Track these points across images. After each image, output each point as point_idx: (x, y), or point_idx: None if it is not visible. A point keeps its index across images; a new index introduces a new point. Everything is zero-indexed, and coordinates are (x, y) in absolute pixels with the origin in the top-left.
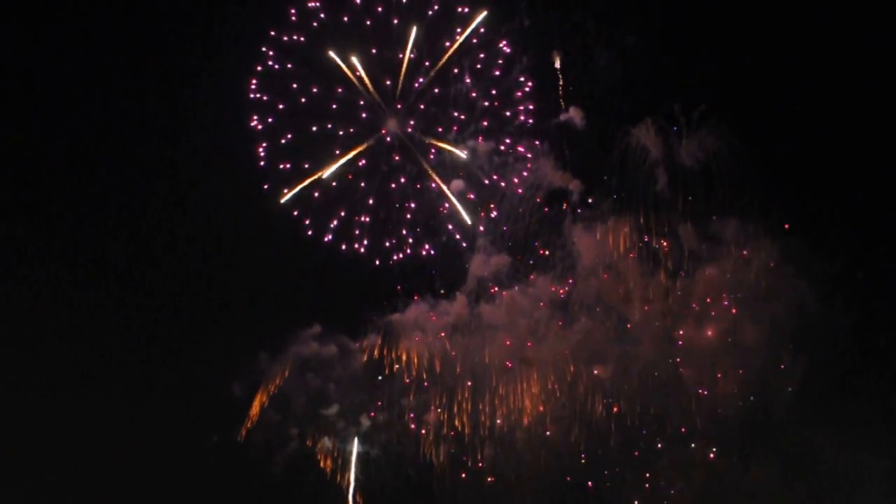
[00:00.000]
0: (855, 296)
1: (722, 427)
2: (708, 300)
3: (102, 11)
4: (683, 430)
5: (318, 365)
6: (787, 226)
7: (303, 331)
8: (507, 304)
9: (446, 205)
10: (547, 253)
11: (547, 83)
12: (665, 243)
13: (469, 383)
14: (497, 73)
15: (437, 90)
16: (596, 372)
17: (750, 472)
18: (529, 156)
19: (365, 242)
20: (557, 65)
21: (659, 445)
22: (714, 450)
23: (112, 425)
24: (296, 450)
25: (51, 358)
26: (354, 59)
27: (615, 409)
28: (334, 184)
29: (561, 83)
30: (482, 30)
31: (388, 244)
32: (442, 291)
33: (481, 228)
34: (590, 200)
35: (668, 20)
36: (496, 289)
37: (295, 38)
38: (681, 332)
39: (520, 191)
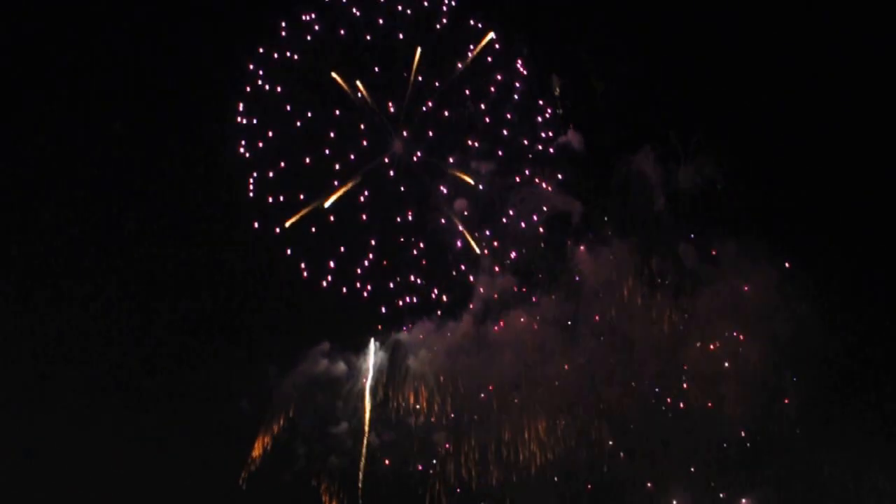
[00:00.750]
0: (856, 315)
1: (725, 450)
2: (709, 321)
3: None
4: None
5: (326, 383)
6: (787, 262)
7: (312, 348)
8: (511, 324)
9: (458, 243)
10: (550, 275)
11: (546, 107)
12: (666, 265)
13: (476, 416)
14: (501, 95)
15: (442, 113)
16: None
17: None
18: (536, 180)
19: (368, 287)
20: (557, 91)
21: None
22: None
23: (116, 441)
24: (303, 468)
25: (47, 375)
26: (354, 79)
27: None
28: (332, 218)
29: (560, 109)
30: (489, 58)
31: (391, 285)
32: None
33: (486, 252)
34: (591, 223)
35: (665, 50)
36: (501, 310)
37: (287, 55)
38: (684, 353)
39: (523, 214)
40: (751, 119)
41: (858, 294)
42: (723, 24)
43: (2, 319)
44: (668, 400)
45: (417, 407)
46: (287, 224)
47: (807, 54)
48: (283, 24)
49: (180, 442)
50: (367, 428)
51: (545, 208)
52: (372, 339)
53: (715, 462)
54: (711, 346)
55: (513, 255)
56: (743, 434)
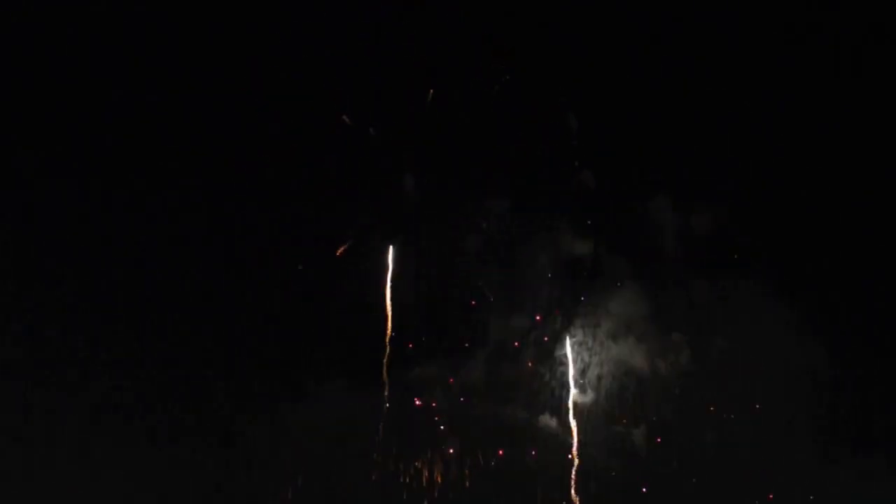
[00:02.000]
0: (868, 352)
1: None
2: (723, 360)
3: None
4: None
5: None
6: (800, 303)
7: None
8: (525, 366)
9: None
10: (564, 315)
11: (561, 147)
12: (679, 306)
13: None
14: (518, 133)
15: (456, 150)
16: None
17: None
18: (549, 220)
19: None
20: (571, 126)
21: None
22: None
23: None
24: None
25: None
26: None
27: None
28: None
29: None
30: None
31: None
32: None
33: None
34: (604, 264)
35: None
36: (516, 348)
37: None
38: (698, 393)
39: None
40: (765, 163)
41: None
42: (740, 72)
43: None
44: (680, 440)
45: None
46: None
47: (823, 101)
48: None
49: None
50: None
51: (560, 249)
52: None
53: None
54: (725, 388)
55: (526, 295)
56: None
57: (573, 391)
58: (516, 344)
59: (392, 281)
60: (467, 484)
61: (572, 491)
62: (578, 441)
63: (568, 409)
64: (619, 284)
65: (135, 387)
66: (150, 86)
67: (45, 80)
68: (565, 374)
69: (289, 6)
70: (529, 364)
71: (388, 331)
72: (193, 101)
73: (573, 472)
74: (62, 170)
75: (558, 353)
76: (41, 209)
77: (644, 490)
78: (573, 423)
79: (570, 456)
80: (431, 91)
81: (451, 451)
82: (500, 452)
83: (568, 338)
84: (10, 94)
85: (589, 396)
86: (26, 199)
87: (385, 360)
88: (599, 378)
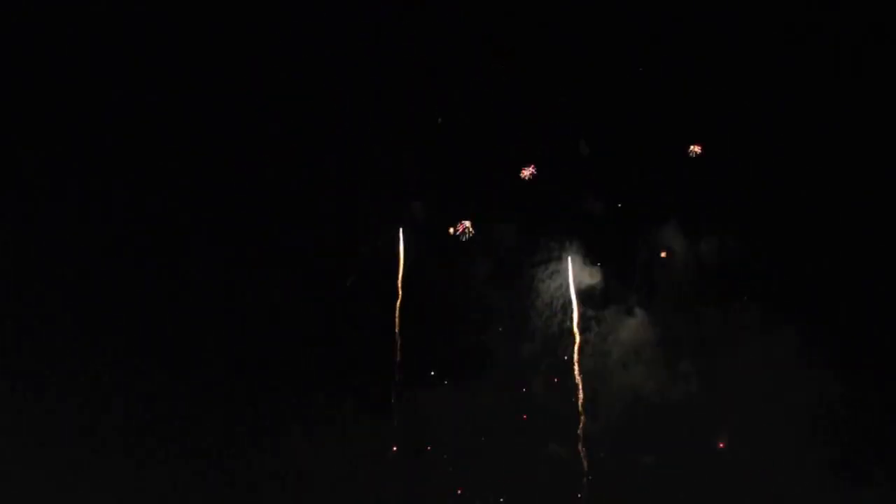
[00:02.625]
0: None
1: None
2: (733, 389)
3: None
4: None
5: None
6: (809, 330)
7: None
8: (535, 395)
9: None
10: (574, 345)
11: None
12: (690, 334)
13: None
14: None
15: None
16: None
17: None
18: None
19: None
20: (584, 152)
21: None
22: None
23: None
24: None
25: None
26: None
27: None
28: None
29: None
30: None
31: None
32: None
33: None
34: (615, 293)
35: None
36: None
37: None
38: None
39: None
40: (776, 189)
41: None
42: (753, 102)
43: None
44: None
45: None
46: None
47: (836, 126)
48: None
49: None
50: None
51: (570, 276)
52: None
53: None
54: (735, 415)
55: (533, 321)
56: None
57: (583, 419)
58: (526, 370)
59: (402, 305)
60: None
61: None
62: (588, 468)
63: (578, 438)
64: (628, 313)
65: (143, 410)
66: (149, 86)
67: (43, 80)
68: (575, 401)
69: (289, 6)
70: (539, 390)
71: (398, 355)
72: (194, 102)
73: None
74: (61, 170)
75: (568, 380)
76: (42, 209)
77: None
78: (582, 451)
79: (580, 483)
80: (440, 120)
81: (460, 490)
82: (508, 481)
83: (577, 366)
84: (10, 93)
85: (599, 424)
86: (26, 200)
87: (393, 385)
88: (609, 406)
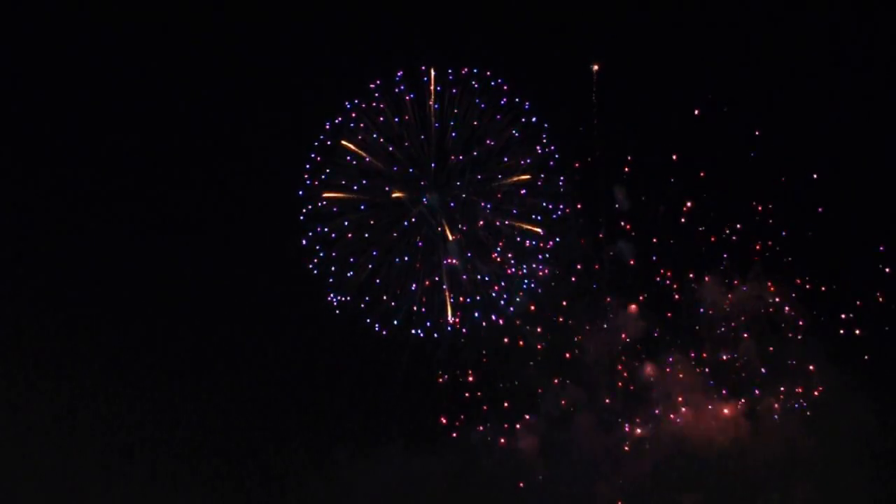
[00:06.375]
0: None
1: None
2: (768, 415)
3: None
4: None
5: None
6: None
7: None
8: (579, 433)
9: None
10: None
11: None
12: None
13: None
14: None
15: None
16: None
17: None
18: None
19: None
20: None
21: None
22: None
23: None
24: None
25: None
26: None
27: None
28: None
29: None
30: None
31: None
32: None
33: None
34: (656, 335)
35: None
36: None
37: None
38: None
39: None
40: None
41: None
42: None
43: None
44: None
45: None
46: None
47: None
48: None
49: None
50: None
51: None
52: None
53: None
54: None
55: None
56: None
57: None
58: (570, 410)
59: (446, 343)
60: None
61: None
62: None
63: (619, 477)
64: (670, 358)
65: (191, 440)
66: (150, 85)
67: (41, 80)
68: (618, 442)
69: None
70: (583, 431)
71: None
72: (198, 102)
73: None
74: (63, 170)
75: (610, 420)
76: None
77: None
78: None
79: None
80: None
81: None
82: None
83: (619, 406)
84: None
85: (642, 465)
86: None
87: (441, 423)
88: (652, 447)
